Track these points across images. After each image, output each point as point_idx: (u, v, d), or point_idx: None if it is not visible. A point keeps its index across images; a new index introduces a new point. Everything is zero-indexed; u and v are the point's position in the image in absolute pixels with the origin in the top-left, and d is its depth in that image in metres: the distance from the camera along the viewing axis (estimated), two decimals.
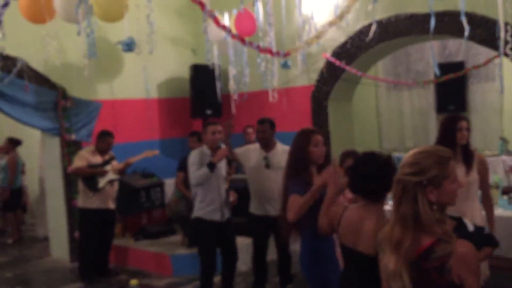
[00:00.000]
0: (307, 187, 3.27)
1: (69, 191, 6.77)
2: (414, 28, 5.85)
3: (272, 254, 5.30)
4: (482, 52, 7.42)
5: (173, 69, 8.09)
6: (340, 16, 3.98)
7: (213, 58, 6.45)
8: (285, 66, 6.38)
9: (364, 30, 6.26)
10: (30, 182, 9.44)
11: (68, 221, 6.85)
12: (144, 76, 7.20)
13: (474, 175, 3.84)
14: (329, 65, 6.61)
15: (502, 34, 4.20)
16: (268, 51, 4.41)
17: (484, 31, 5.29)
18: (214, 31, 5.74)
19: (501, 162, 6.85)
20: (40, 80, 6.55)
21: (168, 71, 8.05)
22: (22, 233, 8.80)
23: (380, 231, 2.11)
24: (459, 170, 3.44)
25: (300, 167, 3.38)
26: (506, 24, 4.80)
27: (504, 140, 7.22)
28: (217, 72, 6.51)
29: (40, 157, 8.60)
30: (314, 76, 6.88)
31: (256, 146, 5.13)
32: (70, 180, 6.71)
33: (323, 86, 6.81)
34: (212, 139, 4.69)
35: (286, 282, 5.22)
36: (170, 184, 7.45)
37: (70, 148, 6.71)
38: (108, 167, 5.99)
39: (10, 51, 5.95)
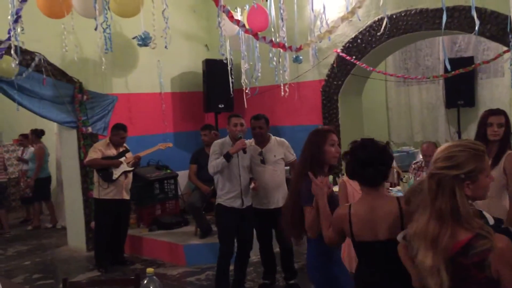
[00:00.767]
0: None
1: (86, 182, 6.92)
2: (424, 24, 5.89)
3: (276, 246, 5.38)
4: (492, 47, 7.46)
5: (186, 64, 8.18)
6: (352, 11, 4.06)
7: (226, 53, 6.55)
8: (296, 60, 6.45)
9: (374, 25, 6.32)
10: None
11: (84, 211, 7.00)
12: (158, 71, 7.33)
13: (496, 172, 3.65)
14: (339, 60, 6.67)
15: None
16: (281, 46, 4.50)
17: (494, 26, 5.32)
18: (227, 26, 5.83)
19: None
20: (58, 74, 6.67)
21: (182, 66, 8.15)
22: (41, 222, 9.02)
23: (410, 225, 2.05)
24: None
25: (315, 166, 3.27)
26: None
27: None
28: (229, 67, 6.60)
29: (57, 150, 8.78)
30: (325, 70, 6.94)
31: (251, 141, 5.18)
32: (86, 171, 6.86)
33: (334, 80, 6.87)
34: (233, 131, 4.86)
35: (289, 277, 5.28)
36: (183, 176, 7.55)
37: (86, 141, 6.85)
38: (122, 159, 6.15)
39: (28, 46, 6.05)
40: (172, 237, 6.65)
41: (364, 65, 6.44)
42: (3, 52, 4.55)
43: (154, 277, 2.36)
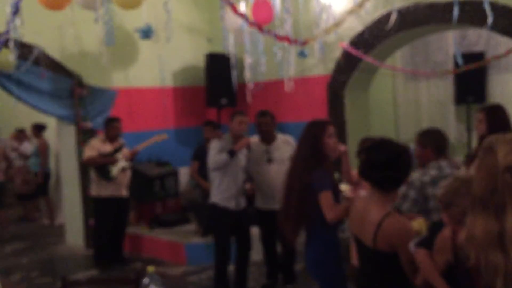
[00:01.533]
0: (331, 178, 3.21)
1: (84, 179, 6.80)
2: (434, 17, 5.77)
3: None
4: (503, 42, 7.27)
5: (188, 58, 8.05)
6: (360, 4, 3.90)
7: (229, 47, 6.42)
8: (301, 55, 6.32)
9: (382, 19, 6.18)
10: None
11: (83, 208, 6.90)
12: (160, 65, 7.19)
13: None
14: (346, 54, 6.53)
15: None
16: (286, 39, 4.35)
17: (506, 20, 5.22)
18: (230, 19, 5.70)
19: None
20: (56, 67, 6.56)
21: (184, 60, 8.02)
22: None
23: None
24: None
25: (321, 158, 3.27)
26: None
27: None
28: (232, 61, 6.48)
29: (55, 145, 8.68)
30: (331, 65, 6.81)
31: (255, 139, 5.06)
32: (85, 168, 6.74)
33: (340, 75, 6.74)
34: (238, 129, 4.74)
35: (287, 280, 5.18)
36: (184, 173, 7.45)
37: (85, 136, 6.72)
38: (119, 155, 6.02)
39: (27, 39, 5.93)
40: (172, 236, 6.56)
41: (371, 60, 6.30)
42: (2, 45, 4.43)
43: (155, 275, 2.34)
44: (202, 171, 6.34)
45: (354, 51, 6.36)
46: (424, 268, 2.11)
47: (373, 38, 6.33)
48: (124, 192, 6.16)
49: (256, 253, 5.67)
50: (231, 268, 5.07)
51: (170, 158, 7.49)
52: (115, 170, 5.97)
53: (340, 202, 3.31)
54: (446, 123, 8.17)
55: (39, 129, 8.76)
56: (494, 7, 5.12)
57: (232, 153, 4.61)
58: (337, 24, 4.20)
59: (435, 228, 2.32)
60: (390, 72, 7.53)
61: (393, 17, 5.24)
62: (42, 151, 8.62)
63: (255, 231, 5.35)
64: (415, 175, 3.26)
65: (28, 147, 8.92)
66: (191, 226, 6.78)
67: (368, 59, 6.31)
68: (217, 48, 7.64)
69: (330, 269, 3.25)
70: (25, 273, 6.15)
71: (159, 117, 7.64)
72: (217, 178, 4.78)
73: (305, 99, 7.07)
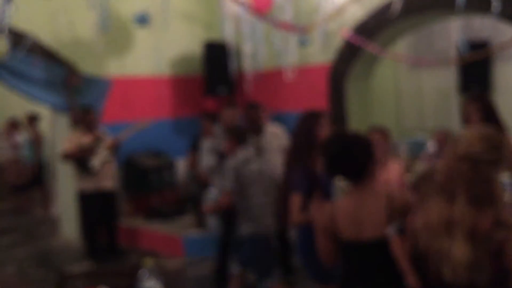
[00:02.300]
0: (310, 176, 3.15)
1: None
2: (438, 4, 5.63)
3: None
4: (508, 30, 7.14)
5: (185, 46, 7.90)
6: None
7: (227, 35, 6.30)
8: (302, 43, 6.19)
9: (385, 7, 6.04)
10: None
11: (77, 200, 6.76)
12: (156, 53, 7.05)
13: None
14: (347, 42, 6.41)
15: None
16: (286, 26, 4.21)
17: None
18: (229, 6, 5.58)
19: None
20: (49, 55, 6.44)
21: (181, 48, 7.86)
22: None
23: (418, 215, 1.99)
24: None
25: (305, 152, 3.25)
26: None
27: None
28: (231, 49, 6.36)
29: (49, 134, 8.58)
30: (332, 54, 6.67)
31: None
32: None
33: (341, 64, 6.63)
34: (229, 121, 4.77)
35: (285, 273, 5.07)
36: (181, 164, 7.35)
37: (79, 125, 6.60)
38: (99, 146, 5.83)
39: (19, 26, 5.84)
40: (169, 228, 6.52)
41: (373, 48, 6.16)
42: None
43: (152, 268, 2.35)
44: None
45: (356, 40, 6.23)
46: (395, 253, 2.19)
47: (376, 26, 6.19)
48: (109, 184, 5.96)
49: None
50: None
51: (167, 149, 7.39)
52: (96, 162, 5.77)
53: (333, 197, 3.29)
54: (449, 113, 8.08)
55: (33, 119, 8.64)
56: None
57: (222, 156, 4.56)
58: (339, 11, 4.07)
59: None
60: (392, 61, 7.43)
61: (397, 4, 5.11)
62: (36, 141, 8.51)
63: None
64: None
65: (19, 138, 8.77)
66: (188, 218, 6.70)
67: (370, 47, 6.19)
68: (215, 36, 7.50)
69: (315, 258, 3.12)
70: (19, 266, 6.09)
71: (156, 106, 7.50)
72: (216, 179, 4.76)
73: (305, 89, 6.96)
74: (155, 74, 7.40)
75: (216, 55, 7.26)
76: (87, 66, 6.75)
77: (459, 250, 1.77)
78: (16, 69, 6.11)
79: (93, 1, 4.93)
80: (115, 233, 6.24)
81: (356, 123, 6.52)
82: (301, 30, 4.36)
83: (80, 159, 5.75)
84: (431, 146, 5.95)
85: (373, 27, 6.21)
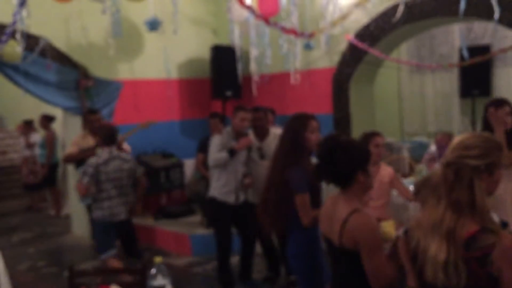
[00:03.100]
0: (308, 177, 3.08)
1: None
2: (440, 10, 5.71)
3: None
4: (509, 35, 7.24)
5: (193, 50, 8.03)
6: None
7: (235, 39, 6.41)
8: (307, 47, 6.30)
9: (388, 12, 6.14)
10: None
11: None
12: (165, 57, 7.19)
13: None
14: (351, 47, 6.51)
15: None
16: (293, 31, 4.35)
17: None
18: (236, 11, 5.69)
19: None
20: (62, 59, 6.56)
21: (189, 52, 8.00)
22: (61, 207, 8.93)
23: (415, 217, 1.99)
24: None
25: (299, 154, 3.20)
26: None
27: None
28: (238, 53, 6.46)
29: (62, 136, 8.71)
30: (336, 58, 6.77)
31: (250, 134, 5.00)
32: None
33: (345, 68, 6.71)
34: (240, 125, 4.70)
35: (290, 272, 5.06)
36: (189, 165, 7.45)
37: None
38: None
39: (34, 30, 5.95)
40: (177, 227, 6.58)
41: (377, 52, 6.27)
42: (9, 36, 4.44)
43: (162, 266, 2.35)
44: (207, 163, 6.35)
45: (359, 44, 6.35)
46: (399, 253, 2.15)
47: (379, 31, 6.29)
48: None
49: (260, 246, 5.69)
50: (236, 259, 5.10)
51: (175, 150, 7.50)
52: None
53: (322, 199, 3.25)
54: (451, 116, 8.17)
55: (48, 120, 8.75)
56: (501, 0, 5.10)
57: (232, 152, 4.60)
58: (344, 16, 4.19)
59: None
60: (395, 65, 7.50)
61: (400, 10, 5.20)
62: (49, 142, 8.62)
63: None
64: None
65: (35, 137, 8.92)
66: (196, 218, 6.80)
67: (374, 52, 6.29)
68: (223, 40, 7.61)
69: (307, 263, 3.19)
70: (32, 263, 6.19)
71: (165, 109, 7.64)
72: (216, 172, 4.77)
73: (310, 92, 7.04)
74: (164, 77, 7.52)
75: (224, 59, 7.35)
76: (99, 69, 6.89)
77: (433, 251, 1.80)
78: (31, 72, 6.20)
79: (105, 6, 5.07)
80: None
81: (359, 126, 6.59)
82: (306, 35, 4.47)
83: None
84: (433, 149, 6.06)
85: (376, 32, 6.30)
